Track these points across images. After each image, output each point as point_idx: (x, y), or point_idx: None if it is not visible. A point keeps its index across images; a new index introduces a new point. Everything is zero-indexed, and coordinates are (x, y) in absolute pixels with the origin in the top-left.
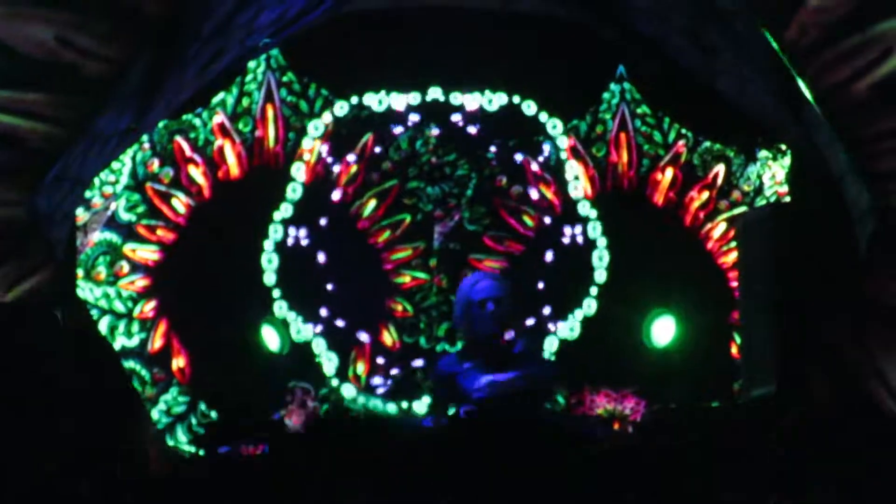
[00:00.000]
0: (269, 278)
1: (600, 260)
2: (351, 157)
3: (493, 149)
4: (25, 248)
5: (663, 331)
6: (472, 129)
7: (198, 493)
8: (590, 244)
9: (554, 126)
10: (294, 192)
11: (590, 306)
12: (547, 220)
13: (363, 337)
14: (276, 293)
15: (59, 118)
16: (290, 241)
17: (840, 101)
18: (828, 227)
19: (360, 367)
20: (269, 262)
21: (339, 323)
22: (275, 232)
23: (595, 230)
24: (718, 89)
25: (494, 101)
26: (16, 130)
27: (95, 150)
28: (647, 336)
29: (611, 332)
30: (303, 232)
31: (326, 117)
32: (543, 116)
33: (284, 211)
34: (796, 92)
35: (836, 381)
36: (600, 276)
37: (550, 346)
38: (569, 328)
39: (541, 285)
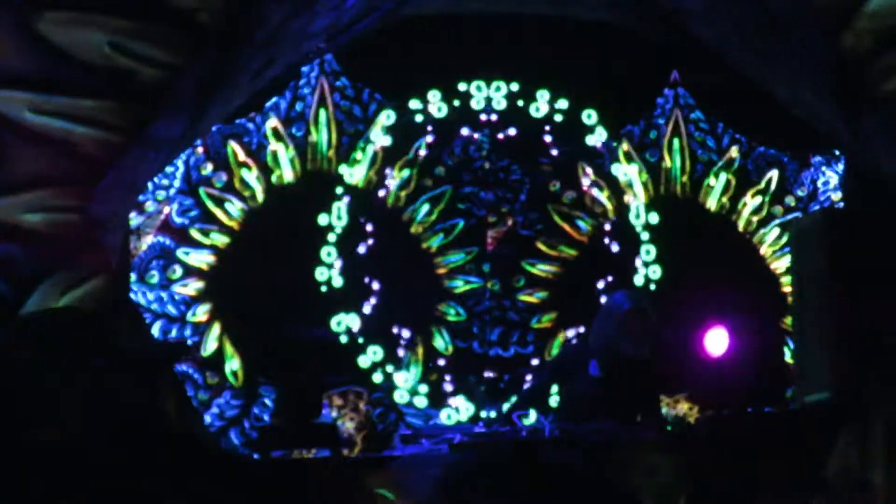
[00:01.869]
0: (324, 283)
1: (650, 264)
2: (405, 162)
3: (546, 154)
4: (80, 254)
5: (717, 339)
6: (525, 134)
7: (252, 497)
8: (642, 249)
9: (608, 131)
10: (348, 196)
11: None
12: (601, 224)
13: (416, 341)
14: (330, 297)
15: (113, 124)
16: (344, 246)
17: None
18: (882, 232)
19: (413, 371)
20: (325, 267)
21: (393, 328)
22: (329, 236)
23: (648, 235)
24: (772, 94)
25: (547, 106)
26: (70, 137)
27: (149, 156)
28: (700, 343)
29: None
30: (356, 237)
31: (381, 122)
32: (597, 121)
33: (338, 215)
34: (851, 98)
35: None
36: (651, 279)
37: None
38: None
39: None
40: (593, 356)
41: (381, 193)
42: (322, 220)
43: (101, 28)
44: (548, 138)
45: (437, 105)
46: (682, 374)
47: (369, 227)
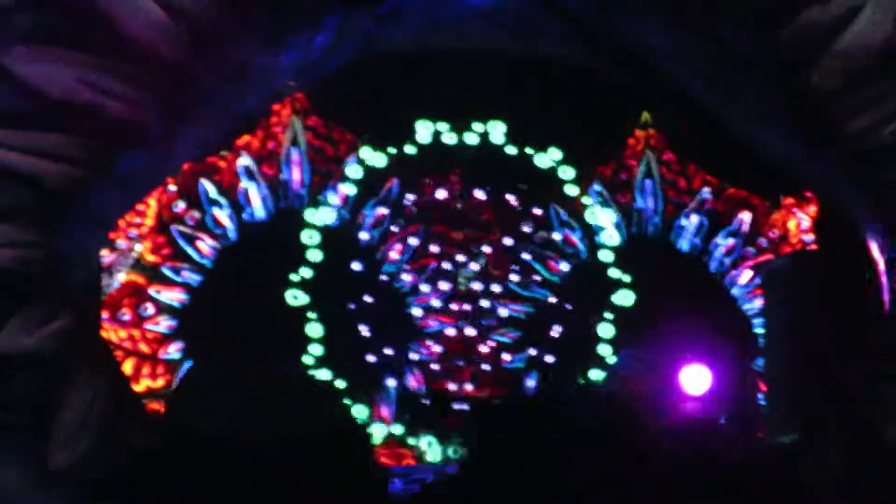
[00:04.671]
0: (296, 320)
1: (624, 303)
2: (376, 202)
3: (518, 193)
4: (48, 291)
5: (692, 378)
6: (497, 174)
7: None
8: (615, 289)
9: (578, 172)
10: (319, 235)
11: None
12: (572, 265)
13: (389, 381)
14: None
15: (79, 159)
16: (315, 284)
17: (864, 146)
18: (853, 276)
19: (385, 410)
20: (296, 302)
21: (365, 365)
22: (301, 274)
23: (620, 275)
24: (741, 136)
25: (517, 145)
26: (36, 170)
27: (118, 192)
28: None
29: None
30: (328, 274)
31: (352, 161)
32: (568, 162)
33: (310, 254)
34: (817, 138)
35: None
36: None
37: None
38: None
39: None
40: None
41: (354, 232)
42: (293, 256)
43: (67, 62)
44: (519, 178)
45: (408, 144)
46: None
47: (341, 266)
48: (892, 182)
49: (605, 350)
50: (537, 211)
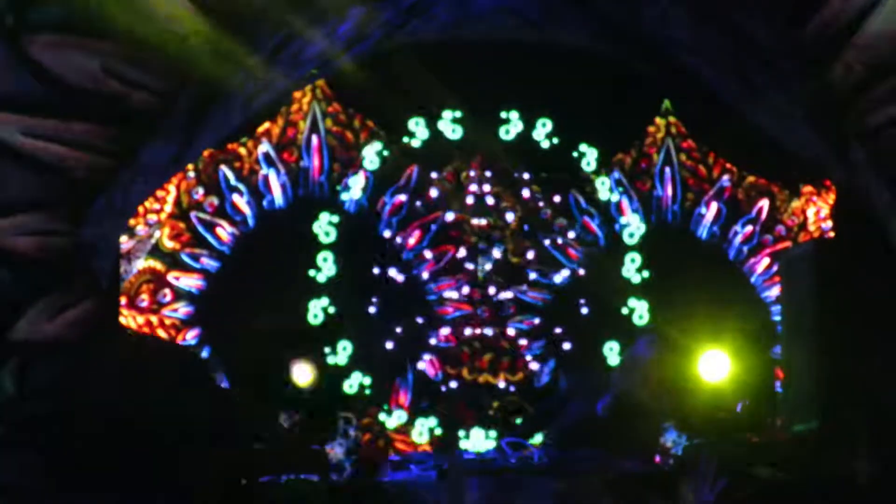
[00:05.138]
0: (315, 307)
1: (642, 292)
2: (396, 189)
3: (538, 182)
4: (70, 278)
5: (711, 365)
6: (516, 162)
7: None
8: (634, 276)
9: (599, 159)
10: (339, 221)
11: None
12: (591, 252)
13: (406, 366)
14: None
15: (103, 148)
16: (334, 270)
17: (885, 139)
18: (871, 264)
19: (402, 397)
20: (316, 292)
21: (383, 350)
22: (321, 261)
23: (639, 263)
24: (761, 125)
25: (540, 133)
26: (62, 160)
27: (140, 180)
28: (693, 371)
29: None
30: (347, 261)
31: (372, 148)
32: (588, 150)
33: (329, 240)
34: (839, 130)
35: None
36: (642, 310)
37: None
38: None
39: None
40: (607, 396)
41: (373, 219)
42: (313, 244)
43: (93, 52)
44: (539, 166)
45: (428, 131)
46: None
47: (360, 254)
48: None
49: (623, 338)
50: (557, 198)
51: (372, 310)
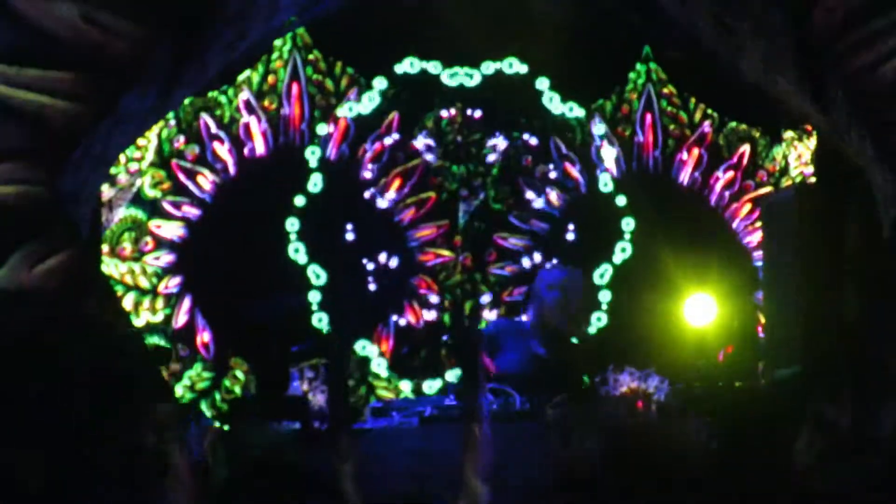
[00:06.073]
0: (296, 254)
1: (623, 239)
2: (377, 136)
3: (518, 127)
4: (49, 227)
5: (697, 310)
6: (497, 108)
7: None
8: (614, 223)
9: (579, 106)
10: (319, 168)
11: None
12: (571, 199)
13: (388, 313)
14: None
15: (83, 97)
16: (315, 217)
17: (865, 84)
18: (852, 209)
19: (385, 344)
20: (295, 238)
21: (364, 299)
22: (300, 208)
23: (620, 209)
24: (742, 71)
25: (519, 80)
26: (40, 109)
27: (120, 128)
28: (675, 315)
29: (636, 311)
30: (328, 208)
31: (352, 95)
32: (568, 96)
33: (309, 187)
34: (820, 74)
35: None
36: (624, 255)
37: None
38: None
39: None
40: (532, 333)
41: (354, 167)
42: (293, 192)
43: (73, 0)
44: (520, 112)
45: (410, 80)
46: (650, 348)
47: (340, 201)
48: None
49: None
50: (535, 143)
51: (356, 259)
